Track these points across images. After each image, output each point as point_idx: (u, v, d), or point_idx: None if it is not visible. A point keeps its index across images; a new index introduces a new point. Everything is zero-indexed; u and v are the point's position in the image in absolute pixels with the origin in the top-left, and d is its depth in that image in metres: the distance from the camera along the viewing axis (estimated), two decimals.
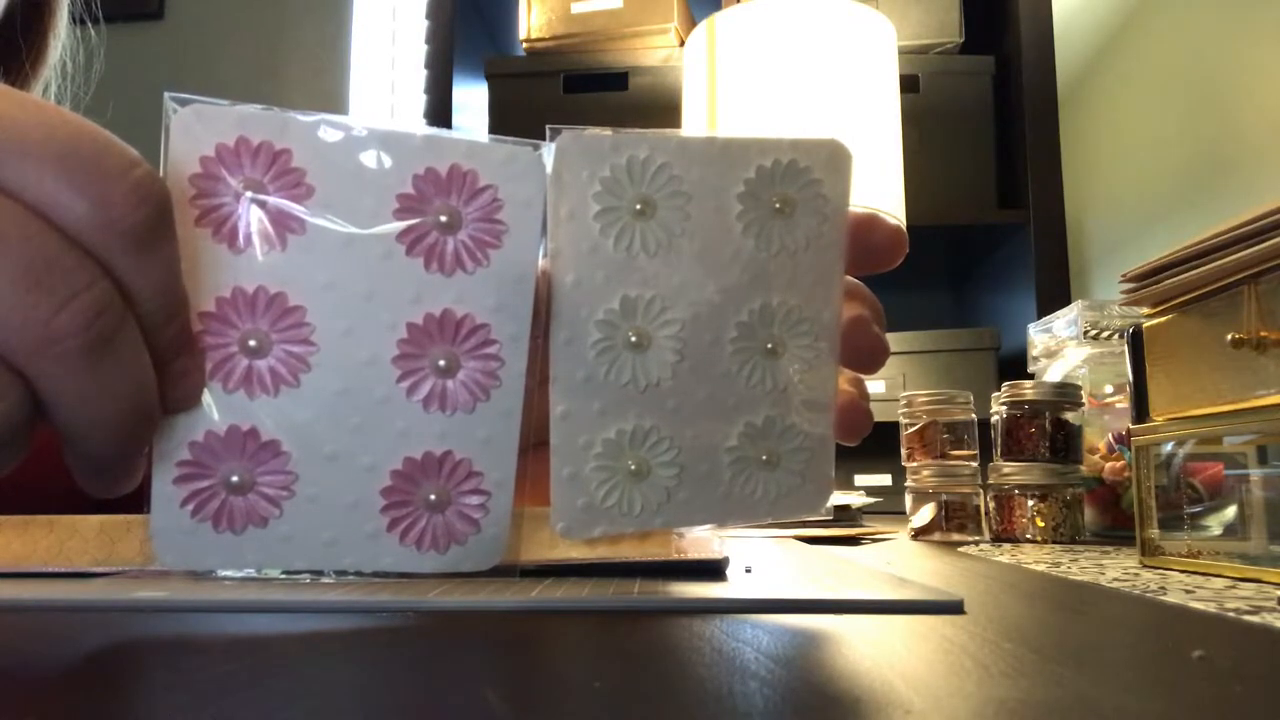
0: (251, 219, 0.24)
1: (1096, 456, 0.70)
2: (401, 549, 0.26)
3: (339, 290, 0.24)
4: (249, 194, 0.24)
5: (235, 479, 0.24)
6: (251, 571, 0.26)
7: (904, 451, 0.71)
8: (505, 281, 0.25)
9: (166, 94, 0.23)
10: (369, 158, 0.24)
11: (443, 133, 0.25)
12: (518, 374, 0.26)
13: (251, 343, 0.24)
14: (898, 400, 0.73)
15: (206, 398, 0.24)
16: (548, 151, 0.26)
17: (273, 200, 0.24)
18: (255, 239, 0.24)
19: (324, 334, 0.24)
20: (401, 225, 0.25)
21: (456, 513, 0.26)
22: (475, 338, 0.25)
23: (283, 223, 0.24)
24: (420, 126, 0.25)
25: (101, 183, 0.19)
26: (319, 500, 0.25)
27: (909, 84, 1.24)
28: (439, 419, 0.25)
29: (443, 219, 0.25)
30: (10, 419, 0.19)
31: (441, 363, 0.25)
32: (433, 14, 1.44)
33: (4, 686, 0.16)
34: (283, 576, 0.26)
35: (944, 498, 0.67)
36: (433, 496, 0.26)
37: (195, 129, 0.24)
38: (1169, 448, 0.44)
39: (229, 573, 0.25)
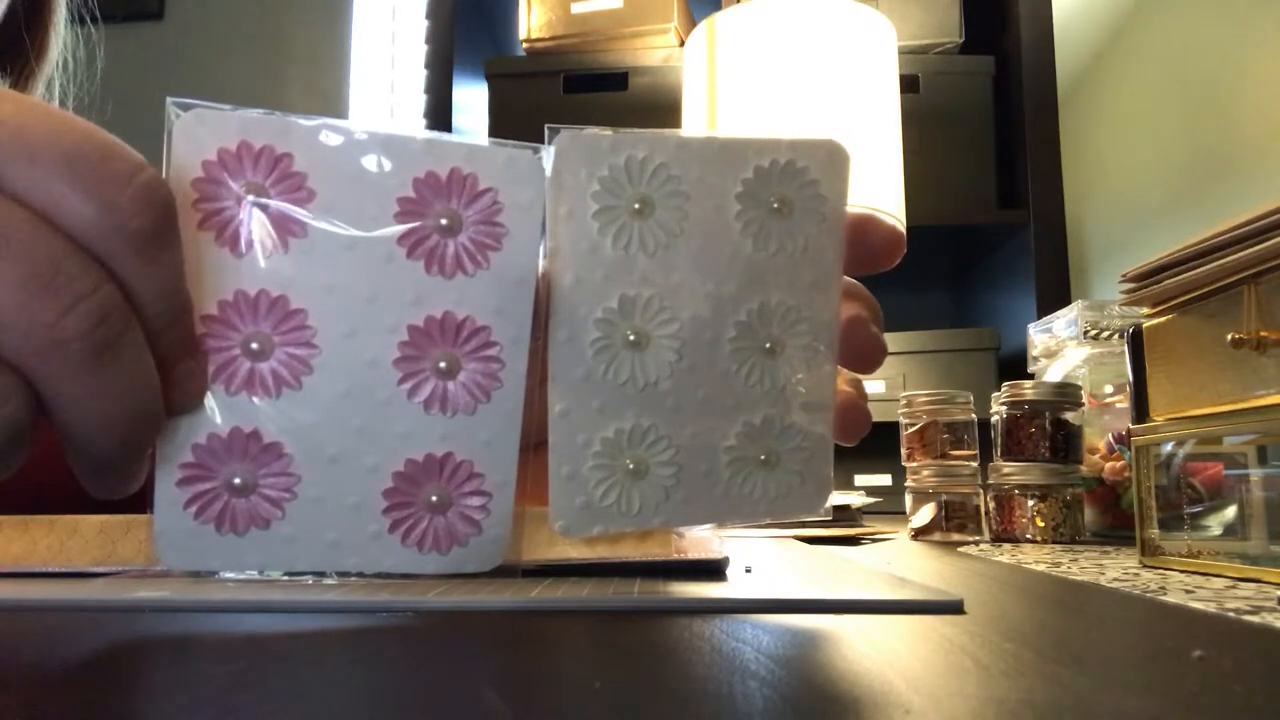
0: (253, 223, 0.24)
1: (1096, 456, 0.70)
2: (403, 550, 0.26)
3: (341, 293, 0.24)
4: (251, 198, 0.24)
5: (238, 481, 0.24)
6: (254, 573, 0.26)
7: (904, 451, 0.71)
8: (505, 284, 0.25)
9: (169, 99, 0.23)
10: (370, 161, 0.25)
11: (443, 136, 0.25)
12: (518, 375, 0.26)
13: (254, 345, 0.24)
14: (898, 400, 0.73)
15: (209, 400, 0.24)
16: (547, 155, 0.26)
17: (274, 204, 0.24)
18: (257, 243, 0.24)
19: (326, 336, 0.24)
20: (402, 228, 0.25)
21: (458, 514, 0.26)
22: (476, 340, 0.25)
23: (284, 226, 0.24)
24: (420, 130, 0.25)
25: (107, 187, 0.20)
26: (321, 502, 0.25)
27: (909, 84, 1.24)
28: (440, 421, 0.25)
29: (443, 222, 0.25)
30: (14, 421, 0.19)
31: (442, 365, 0.25)
32: (433, 14, 1.44)
33: (4, 686, 0.16)
34: (285, 578, 0.26)
35: (944, 498, 0.67)
36: (434, 498, 0.26)
37: (197, 133, 0.24)
38: (1169, 448, 0.44)
39: (232, 574, 0.25)
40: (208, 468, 0.24)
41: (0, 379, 0.19)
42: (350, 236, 0.24)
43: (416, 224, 0.25)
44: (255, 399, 0.24)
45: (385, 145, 0.25)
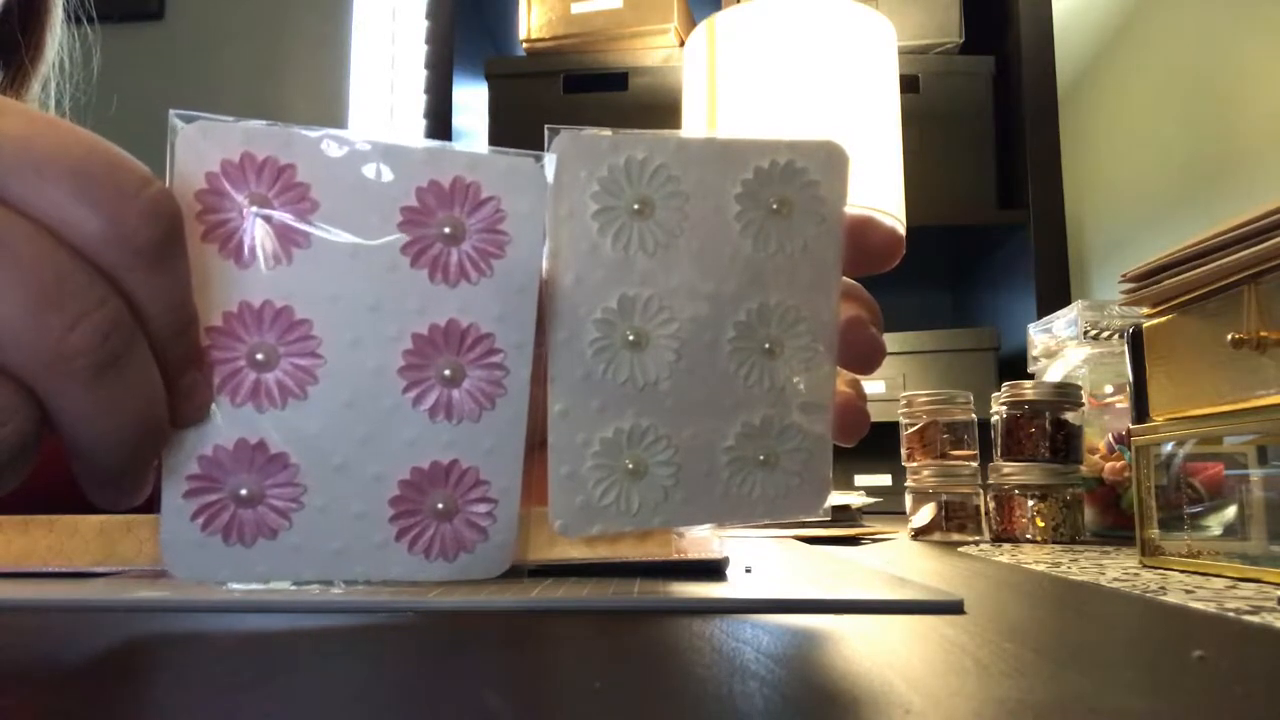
0: (257, 234, 0.24)
1: (1096, 456, 0.70)
2: (410, 558, 0.26)
3: (345, 302, 0.24)
4: (254, 209, 0.24)
5: (244, 492, 0.24)
6: (262, 583, 0.26)
7: (904, 451, 0.71)
8: (509, 291, 0.25)
9: (171, 111, 0.23)
10: (372, 171, 0.25)
11: (445, 145, 0.25)
12: (522, 383, 0.26)
13: (259, 356, 0.24)
14: (898, 400, 0.73)
15: (214, 412, 0.24)
16: (549, 162, 0.26)
17: (278, 215, 0.24)
18: (261, 253, 0.24)
19: (330, 346, 0.24)
20: (405, 237, 0.25)
21: (464, 521, 0.26)
22: (480, 347, 0.25)
23: (288, 237, 0.24)
24: (422, 140, 0.25)
25: (115, 200, 0.19)
26: (328, 511, 0.25)
27: (909, 84, 1.24)
28: (445, 428, 0.25)
29: (446, 230, 0.25)
30: (20, 435, 0.19)
31: (447, 372, 0.25)
32: (433, 14, 1.44)
33: (4, 686, 0.16)
34: (293, 587, 0.26)
35: (944, 498, 0.67)
36: (440, 505, 0.26)
37: (200, 145, 0.24)
38: (1169, 448, 0.44)
39: (239, 585, 0.25)
40: (214, 479, 0.24)
41: (5, 394, 0.19)
42: (354, 246, 0.24)
43: (420, 233, 0.25)
44: (261, 409, 0.24)
45: (387, 155, 0.25)
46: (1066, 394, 0.66)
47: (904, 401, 0.72)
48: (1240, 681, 0.17)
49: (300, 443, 0.24)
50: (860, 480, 1.21)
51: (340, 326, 0.24)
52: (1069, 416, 0.66)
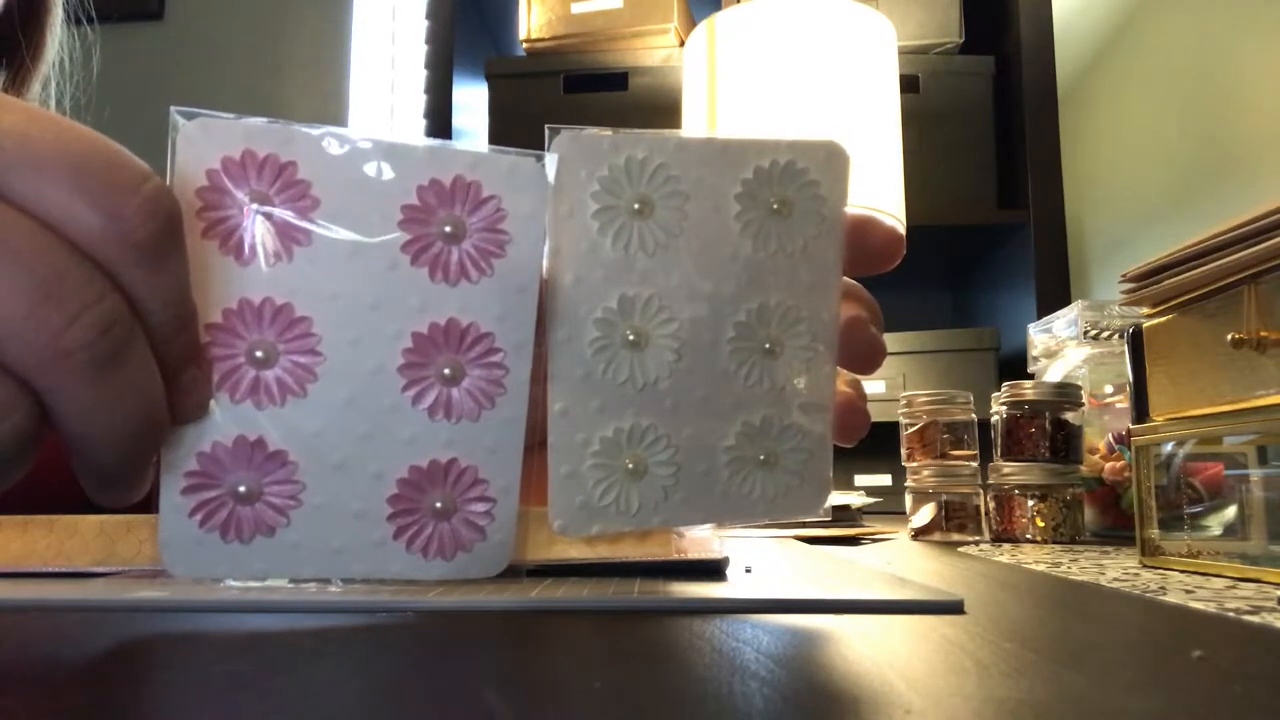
0: (258, 231, 0.24)
1: (1096, 456, 0.70)
2: (408, 556, 0.26)
3: (345, 300, 0.24)
4: (255, 206, 0.24)
5: (243, 489, 0.24)
6: (260, 580, 0.25)
7: (904, 451, 0.71)
8: (509, 290, 0.25)
9: (173, 108, 0.23)
10: (373, 169, 0.25)
11: (446, 144, 0.25)
12: (522, 382, 0.26)
13: (258, 353, 0.24)
14: (898, 400, 0.73)
15: (214, 408, 0.24)
16: (550, 162, 0.26)
17: (279, 212, 0.24)
18: (261, 251, 0.24)
19: (330, 344, 0.24)
20: (406, 236, 0.25)
21: (463, 520, 0.26)
22: (480, 346, 0.25)
23: (289, 234, 0.24)
24: (424, 138, 0.25)
25: (113, 196, 0.19)
26: (326, 509, 0.25)
27: (909, 84, 1.24)
28: (445, 427, 0.25)
29: (447, 229, 0.25)
30: (20, 432, 0.19)
31: (446, 371, 0.25)
32: (433, 14, 1.44)
33: (4, 686, 0.16)
34: (290, 585, 0.26)
35: (944, 498, 0.67)
36: (439, 504, 0.26)
37: (201, 142, 0.24)
38: (1169, 448, 0.44)
39: (237, 582, 0.25)
40: (213, 476, 0.24)
41: (5, 390, 0.19)
42: (354, 244, 0.24)
43: (420, 231, 0.25)
44: (260, 407, 0.24)
45: (389, 153, 0.25)
46: (1066, 394, 0.66)
47: (904, 401, 0.72)
48: (1240, 681, 0.17)
49: (299, 440, 0.24)
50: (860, 480, 1.21)
51: (340, 324, 0.24)
52: (1069, 416, 0.66)
